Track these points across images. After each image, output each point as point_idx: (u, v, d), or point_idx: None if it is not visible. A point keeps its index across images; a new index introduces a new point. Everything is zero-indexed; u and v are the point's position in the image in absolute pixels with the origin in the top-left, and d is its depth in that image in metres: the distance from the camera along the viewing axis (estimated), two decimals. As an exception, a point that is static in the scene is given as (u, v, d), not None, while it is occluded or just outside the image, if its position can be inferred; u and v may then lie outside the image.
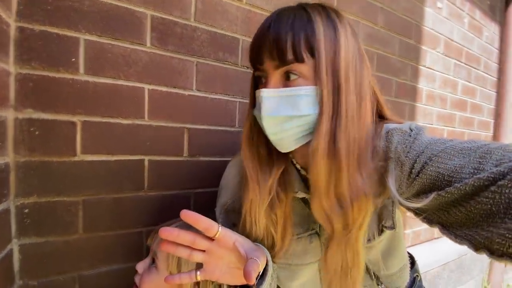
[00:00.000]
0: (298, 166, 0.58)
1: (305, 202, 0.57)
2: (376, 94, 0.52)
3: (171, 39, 0.77)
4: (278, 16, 0.47)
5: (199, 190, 0.85)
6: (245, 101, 0.91)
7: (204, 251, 0.48)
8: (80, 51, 0.65)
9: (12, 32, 0.58)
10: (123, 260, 0.74)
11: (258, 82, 0.52)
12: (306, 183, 0.56)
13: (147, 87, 0.74)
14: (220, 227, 0.46)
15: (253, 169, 0.53)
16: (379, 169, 0.46)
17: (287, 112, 0.47)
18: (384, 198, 0.50)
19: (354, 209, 0.46)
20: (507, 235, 0.32)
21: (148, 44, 0.74)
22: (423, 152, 0.42)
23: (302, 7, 0.48)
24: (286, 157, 0.55)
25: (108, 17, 0.68)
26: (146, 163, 0.76)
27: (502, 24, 2.10)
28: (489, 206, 0.34)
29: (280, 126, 0.48)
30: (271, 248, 0.56)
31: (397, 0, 1.34)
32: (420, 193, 0.42)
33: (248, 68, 0.91)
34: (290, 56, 0.45)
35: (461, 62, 1.78)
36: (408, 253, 0.71)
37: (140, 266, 0.64)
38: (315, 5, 0.49)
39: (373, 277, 0.61)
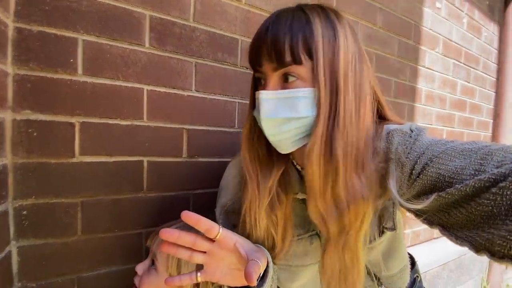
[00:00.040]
0: (298, 167, 0.57)
1: (306, 203, 0.57)
2: (377, 94, 0.52)
3: (170, 40, 0.77)
4: (277, 17, 0.47)
5: (198, 191, 0.85)
6: (244, 101, 0.91)
7: (204, 252, 0.47)
8: (78, 52, 0.65)
9: (10, 32, 0.58)
10: (122, 262, 0.74)
11: (258, 83, 0.52)
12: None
13: (145, 87, 0.74)
14: (221, 229, 0.46)
15: (253, 170, 0.53)
16: (379, 170, 0.46)
17: (286, 114, 0.47)
18: (384, 200, 0.50)
19: (350, 213, 0.45)
20: (508, 237, 0.32)
21: (147, 45, 0.73)
22: (423, 153, 0.42)
23: (301, 8, 0.48)
24: (286, 158, 0.55)
25: (106, 17, 0.68)
26: (145, 164, 0.75)
27: (501, 24, 2.10)
28: (491, 208, 0.34)
29: (279, 128, 0.48)
30: (271, 249, 0.55)
31: (396, 0, 1.34)
32: (420, 194, 0.42)
33: (247, 68, 0.90)
34: (288, 58, 0.45)
35: (460, 62, 1.78)
36: (408, 253, 0.71)
37: (140, 268, 0.64)
38: (314, 6, 0.49)
39: (374, 278, 0.61)
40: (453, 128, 1.79)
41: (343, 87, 0.45)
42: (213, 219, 0.64)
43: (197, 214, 0.44)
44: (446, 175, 0.38)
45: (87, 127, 0.67)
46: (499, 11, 2.08)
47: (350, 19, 0.52)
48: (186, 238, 0.45)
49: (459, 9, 1.73)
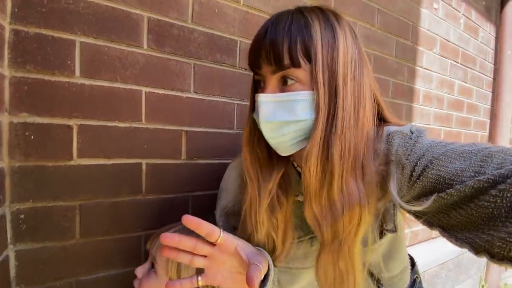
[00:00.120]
0: (298, 169, 0.57)
1: None
2: (377, 97, 0.52)
3: (168, 41, 0.76)
4: (276, 20, 0.47)
5: (198, 193, 0.84)
6: (243, 103, 0.91)
7: (205, 256, 0.47)
8: (76, 54, 0.64)
9: (7, 35, 0.57)
10: (121, 265, 0.74)
11: (258, 86, 0.52)
12: None
13: (144, 89, 0.74)
14: (221, 232, 0.46)
15: (254, 172, 0.53)
16: (380, 172, 0.46)
17: (284, 117, 0.47)
18: (385, 202, 0.50)
19: (344, 217, 0.45)
20: (507, 238, 0.32)
21: (145, 46, 0.73)
22: (424, 155, 0.42)
23: (300, 11, 0.48)
24: (286, 160, 0.55)
25: (104, 19, 0.67)
26: (143, 166, 0.75)
27: (498, 25, 2.11)
28: (491, 209, 0.34)
29: (278, 131, 0.48)
30: (272, 251, 0.55)
31: (393, 1, 1.35)
32: (420, 196, 0.42)
33: (246, 69, 0.90)
34: (286, 61, 0.45)
35: (457, 62, 1.79)
36: (408, 254, 0.71)
37: (139, 271, 0.64)
38: (314, 9, 0.48)
39: (375, 281, 0.61)
40: (451, 128, 1.80)
41: (342, 90, 0.45)
42: (213, 221, 0.64)
43: (198, 218, 0.44)
44: (446, 177, 0.38)
45: (85, 130, 0.66)
46: (496, 11, 2.09)
47: (349, 20, 0.51)
48: (186, 242, 0.45)
49: (456, 10, 1.73)
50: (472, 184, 0.35)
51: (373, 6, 1.26)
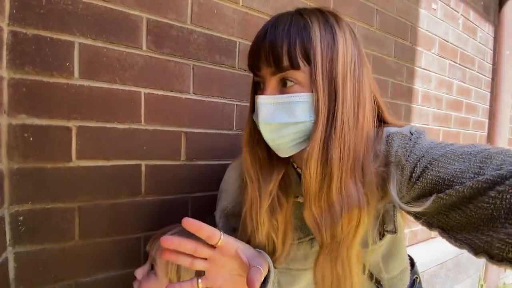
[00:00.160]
0: (299, 170, 0.57)
1: None
2: (377, 98, 0.52)
3: (167, 42, 0.76)
4: (275, 22, 0.47)
5: (197, 194, 0.84)
6: (242, 104, 0.91)
7: (205, 259, 0.47)
8: (75, 55, 0.64)
9: (5, 36, 0.57)
10: (121, 267, 0.73)
11: (257, 87, 0.52)
12: None
13: (143, 91, 0.73)
14: (222, 235, 0.46)
15: (254, 173, 0.53)
16: (380, 173, 0.46)
17: (283, 119, 0.47)
18: (385, 203, 0.50)
19: (343, 220, 0.45)
20: (507, 240, 0.32)
21: (144, 48, 0.73)
22: (423, 156, 0.42)
23: (299, 12, 0.48)
24: (286, 161, 0.55)
25: (103, 20, 0.67)
26: (143, 168, 0.75)
27: (496, 25, 2.12)
28: (490, 211, 0.34)
29: (277, 133, 0.48)
30: (272, 253, 0.55)
31: (392, 1, 1.35)
32: (420, 197, 0.42)
33: (245, 70, 0.90)
34: (285, 63, 0.45)
35: (456, 63, 1.79)
36: (408, 255, 0.71)
37: (139, 272, 0.64)
38: (313, 10, 0.48)
39: (375, 282, 0.61)
40: (450, 128, 1.80)
41: (341, 92, 0.45)
42: (213, 222, 0.64)
43: (198, 221, 0.44)
44: (446, 178, 0.39)
45: (84, 131, 0.66)
46: (494, 11, 2.10)
47: (348, 21, 0.51)
48: (187, 245, 0.45)
49: (455, 10, 1.74)
50: (471, 184, 0.35)
51: (371, 6, 1.27)
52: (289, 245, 0.56)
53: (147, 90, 0.74)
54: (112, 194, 0.71)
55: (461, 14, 1.79)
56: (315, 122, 0.45)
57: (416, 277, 0.70)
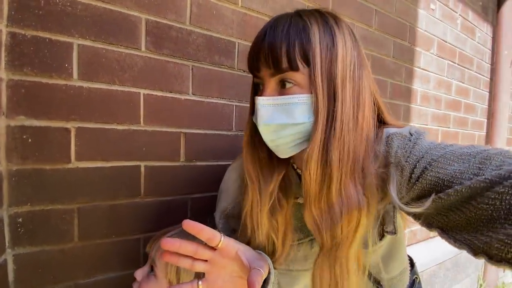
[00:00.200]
0: (299, 171, 0.57)
1: None
2: (377, 99, 0.52)
3: (166, 43, 0.76)
4: (274, 23, 0.47)
5: (197, 195, 0.84)
6: (241, 104, 0.91)
7: (206, 261, 0.47)
8: (74, 56, 0.64)
9: (3, 37, 0.57)
10: (120, 268, 0.73)
11: (257, 89, 0.52)
12: None
13: (142, 91, 0.73)
14: (222, 237, 0.46)
15: (255, 174, 0.53)
16: (379, 174, 0.46)
17: (282, 120, 0.47)
18: (385, 204, 0.50)
19: (343, 222, 0.45)
20: (506, 240, 0.32)
21: (143, 49, 0.73)
22: (423, 157, 0.42)
23: (298, 14, 0.48)
24: (286, 162, 0.55)
25: (102, 21, 0.67)
26: (142, 169, 0.75)
27: (494, 25, 2.13)
28: (490, 212, 0.34)
29: (276, 134, 0.48)
30: (271, 254, 0.55)
31: (391, 2, 1.35)
32: (420, 198, 0.42)
33: (244, 71, 0.90)
34: (284, 64, 0.45)
35: (455, 63, 1.80)
36: (407, 255, 0.71)
37: (139, 274, 0.64)
38: (313, 12, 0.48)
39: (374, 282, 0.61)
40: (448, 128, 1.81)
41: (340, 93, 0.45)
42: (212, 223, 0.64)
43: (198, 223, 0.44)
44: (445, 179, 0.39)
45: (83, 132, 0.66)
46: (493, 11, 2.10)
47: (349, 23, 0.51)
48: (187, 247, 0.45)
49: (453, 11, 1.74)
50: (470, 184, 0.35)
51: (370, 7, 1.27)
52: (289, 245, 0.56)
53: (146, 91, 0.74)
54: (111, 195, 0.71)
55: (460, 15, 1.80)
56: (314, 124, 0.46)
57: (416, 277, 0.70)
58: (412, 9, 1.47)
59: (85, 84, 0.66)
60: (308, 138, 0.47)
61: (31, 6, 0.59)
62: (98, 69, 0.67)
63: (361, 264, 0.50)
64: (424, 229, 0.43)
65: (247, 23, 0.90)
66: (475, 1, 1.92)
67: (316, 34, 0.45)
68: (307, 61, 0.45)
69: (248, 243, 0.55)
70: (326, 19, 0.47)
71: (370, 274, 0.61)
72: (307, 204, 0.47)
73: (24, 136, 0.60)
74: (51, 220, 0.64)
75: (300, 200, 0.56)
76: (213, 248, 0.46)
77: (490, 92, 2.17)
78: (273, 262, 0.54)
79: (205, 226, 0.44)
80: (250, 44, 0.51)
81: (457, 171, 0.38)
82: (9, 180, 0.59)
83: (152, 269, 0.63)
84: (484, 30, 2.04)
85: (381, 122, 0.54)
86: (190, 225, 0.43)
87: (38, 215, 0.62)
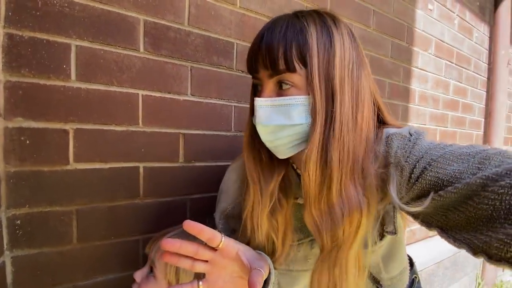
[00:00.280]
0: (298, 171, 0.57)
1: None
2: (377, 99, 0.52)
3: (164, 44, 0.76)
4: (272, 25, 0.48)
5: (196, 195, 0.84)
6: (240, 105, 0.91)
7: (206, 261, 0.47)
8: (72, 57, 0.64)
9: (1, 39, 0.57)
10: (120, 269, 0.73)
11: (256, 90, 0.52)
12: None
13: (140, 92, 0.73)
14: (223, 237, 0.46)
15: (256, 174, 0.53)
16: (379, 175, 0.46)
17: (280, 121, 0.47)
18: (385, 204, 0.50)
19: (345, 224, 0.45)
20: (505, 240, 0.32)
21: (141, 49, 0.73)
22: (422, 157, 0.42)
23: (296, 15, 0.48)
24: (286, 162, 0.55)
25: (100, 22, 0.67)
26: (141, 170, 0.74)
27: (492, 25, 2.14)
28: (490, 212, 0.34)
29: (274, 135, 0.48)
30: (271, 254, 0.55)
31: (389, 2, 1.36)
32: (419, 198, 0.42)
33: (243, 72, 0.90)
34: (281, 65, 0.45)
35: (452, 62, 1.80)
36: (407, 254, 0.72)
37: (138, 275, 0.64)
38: (311, 13, 0.49)
39: (374, 282, 0.61)
40: (446, 127, 1.82)
41: (339, 94, 0.45)
42: (212, 223, 0.64)
43: (199, 224, 0.44)
44: (445, 179, 0.39)
45: (81, 134, 0.66)
46: (490, 11, 2.12)
47: (348, 23, 0.51)
48: (188, 247, 0.45)
49: (451, 11, 1.75)
50: (468, 181, 0.35)
51: (368, 7, 1.27)
52: (288, 245, 0.56)
53: (145, 92, 0.74)
54: (110, 196, 0.71)
55: (457, 15, 1.80)
56: (312, 125, 0.46)
57: (415, 277, 0.71)
58: (410, 9, 1.47)
59: (83, 85, 0.66)
60: (307, 139, 0.47)
61: (28, 7, 0.59)
62: (96, 70, 0.67)
63: (361, 265, 0.50)
64: (423, 228, 0.43)
65: (245, 23, 0.90)
66: (473, 1, 1.93)
67: (313, 35, 0.45)
68: (304, 62, 0.45)
69: (248, 243, 0.55)
70: (324, 20, 0.47)
71: (370, 274, 0.61)
72: (307, 205, 0.47)
73: (22, 138, 0.60)
74: (50, 222, 0.63)
75: (300, 201, 0.56)
76: (213, 249, 0.46)
77: (488, 92, 2.18)
78: (273, 262, 0.54)
79: (205, 226, 0.44)
80: (248, 44, 0.51)
81: (456, 171, 0.38)
82: (7, 182, 0.59)
83: (151, 270, 0.63)
84: (481, 30, 2.05)
85: (381, 122, 0.54)
86: (190, 225, 0.43)
87: (37, 217, 0.62)
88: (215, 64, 0.85)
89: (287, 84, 0.46)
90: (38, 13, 0.60)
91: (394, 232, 0.55)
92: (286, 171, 0.55)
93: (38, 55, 0.60)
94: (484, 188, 0.34)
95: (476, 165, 0.37)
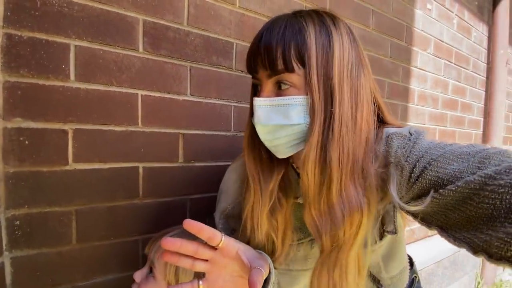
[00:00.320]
0: (298, 171, 0.58)
1: None
2: (377, 99, 0.52)
3: (164, 44, 0.76)
4: (271, 25, 0.48)
5: (195, 196, 0.84)
6: (240, 105, 0.91)
7: (206, 260, 0.47)
8: (71, 58, 0.64)
9: (-1, 39, 0.57)
10: (119, 270, 0.73)
11: (256, 90, 0.52)
12: None
13: (140, 92, 0.73)
14: (223, 236, 0.46)
15: (256, 174, 0.53)
16: (379, 174, 0.46)
17: (278, 121, 0.47)
18: (385, 204, 0.50)
19: (345, 224, 0.45)
20: (506, 239, 0.32)
21: (141, 49, 0.73)
22: (422, 157, 0.42)
23: (295, 15, 0.48)
24: (286, 161, 0.55)
25: (99, 22, 0.67)
26: (140, 170, 0.74)
27: (490, 24, 2.14)
28: (490, 211, 0.34)
29: (273, 134, 0.48)
30: (271, 253, 0.55)
31: (388, 2, 1.36)
32: (420, 197, 0.42)
33: (242, 72, 0.90)
34: (280, 66, 0.45)
35: (451, 62, 1.81)
36: (407, 254, 0.72)
37: (138, 275, 0.63)
38: (310, 12, 0.49)
39: (374, 282, 0.61)
40: (445, 127, 1.82)
41: (338, 94, 0.45)
42: (212, 223, 0.64)
43: (199, 223, 0.44)
44: (445, 178, 0.39)
45: (81, 134, 0.66)
46: (488, 11, 2.12)
47: (348, 23, 0.51)
48: (188, 247, 0.45)
49: (449, 10, 1.75)
50: (467, 179, 0.35)
51: (367, 7, 1.27)
52: (288, 245, 0.56)
53: (144, 92, 0.74)
54: (110, 197, 0.70)
55: (456, 14, 1.81)
56: (310, 125, 0.46)
57: (415, 276, 0.71)
58: (409, 9, 1.47)
59: (83, 86, 0.65)
60: (305, 139, 0.47)
61: (27, 7, 0.59)
62: (96, 70, 0.67)
63: (361, 265, 0.50)
64: (422, 227, 0.43)
65: (244, 23, 0.90)
66: (471, 1, 1.93)
67: (312, 35, 0.45)
68: (303, 62, 0.45)
69: (248, 242, 0.55)
70: (323, 20, 0.47)
71: (370, 274, 0.61)
72: (306, 205, 0.47)
73: (21, 138, 0.60)
74: (49, 222, 0.63)
75: (300, 200, 0.56)
76: (213, 248, 0.46)
77: (486, 91, 2.18)
78: (273, 262, 0.54)
79: (205, 225, 0.44)
80: (248, 44, 0.51)
81: (456, 170, 0.38)
82: (6, 183, 0.59)
83: (151, 270, 0.63)
84: (480, 29, 2.05)
85: (381, 122, 0.54)
86: (190, 224, 0.43)
87: (36, 217, 0.62)
88: (215, 64, 0.85)
89: (285, 84, 0.47)
90: (37, 13, 0.60)
91: (394, 232, 0.55)
92: (286, 170, 0.55)
93: (37, 55, 0.60)
94: (484, 187, 0.34)
95: (476, 164, 0.37)
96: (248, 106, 0.56)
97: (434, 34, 1.64)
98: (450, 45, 1.78)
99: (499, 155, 0.36)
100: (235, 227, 0.61)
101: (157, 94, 0.76)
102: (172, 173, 0.79)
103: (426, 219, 0.43)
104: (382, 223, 0.55)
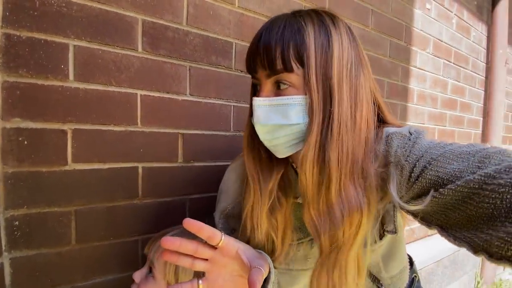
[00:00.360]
0: (298, 170, 0.57)
1: None
2: (377, 99, 0.52)
3: (163, 44, 0.76)
4: (270, 25, 0.48)
5: (195, 196, 0.84)
6: (239, 105, 0.91)
7: (206, 259, 0.47)
8: (69, 57, 0.64)
9: (-2, 39, 0.56)
10: (119, 270, 0.73)
11: (256, 89, 0.52)
12: None
13: (139, 92, 0.73)
14: (223, 236, 0.46)
15: (255, 174, 0.53)
16: (379, 174, 0.46)
17: (278, 121, 0.47)
18: (385, 203, 0.50)
19: (345, 225, 0.45)
20: (506, 238, 0.32)
21: (140, 49, 0.72)
22: (422, 156, 0.42)
23: (294, 15, 0.48)
24: (286, 161, 0.55)
25: (98, 22, 0.66)
26: (139, 170, 0.74)
27: (489, 24, 2.14)
28: (491, 210, 0.34)
29: (272, 134, 0.48)
30: (271, 252, 0.55)
31: (387, 2, 1.36)
32: (420, 197, 0.42)
33: (241, 71, 0.90)
34: (279, 65, 0.45)
35: (450, 62, 1.81)
36: (407, 254, 0.72)
37: (137, 276, 0.63)
38: (309, 12, 0.48)
39: (374, 281, 0.61)
40: (445, 126, 1.82)
41: (337, 94, 0.45)
42: (211, 223, 0.64)
43: (199, 222, 0.44)
44: (445, 178, 0.39)
45: (80, 134, 0.66)
46: (487, 11, 2.12)
47: (347, 23, 0.51)
48: (187, 246, 0.44)
49: (448, 10, 1.76)
50: (467, 178, 0.35)
51: (367, 7, 1.27)
52: (288, 244, 0.56)
53: (143, 92, 0.73)
54: (109, 197, 0.70)
55: (455, 14, 1.81)
56: (309, 125, 0.46)
57: (415, 276, 0.71)
58: (408, 9, 1.47)
59: (81, 85, 0.65)
60: (303, 139, 0.47)
61: (26, 7, 0.59)
62: (95, 70, 0.67)
63: (361, 266, 0.50)
64: (422, 227, 0.43)
65: (244, 23, 0.90)
66: (470, 1, 1.93)
67: (311, 35, 0.45)
68: (302, 62, 0.45)
69: (248, 242, 0.55)
70: (323, 19, 0.47)
71: (370, 273, 0.61)
72: (305, 205, 0.47)
73: (20, 138, 0.59)
74: (48, 223, 0.63)
75: (300, 200, 0.56)
76: (213, 247, 0.46)
77: (486, 91, 2.19)
78: (272, 261, 0.54)
79: (205, 224, 0.44)
80: (247, 44, 0.51)
81: (456, 169, 0.38)
82: (5, 183, 0.58)
83: (150, 270, 0.63)
84: (479, 29, 2.05)
85: (381, 121, 0.54)
86: (190, 223, 0.43)
87: (35, 218, 0.62)
88: (214, 64, 0.85)
89: (284, 84, 0.47)
90: (35, 13, 0.60)
91: (394, 231, 0.55)
92: (286, 170, 0.55)
93: (36, 55, 0.60)
94: (484, 186, 0.34)
95: (476, 164, 0.37)
96: (248, 106, 0.56)
97: (433, 33, 1.64)
98: (449, 44, 1.78)
99: (499, 154, 0.36)
100: (235, 226, 0.61)
101: (156, 94, 0.75)
102: (171, 173, 0.79)
103: (426, 219, 0.42)
104: (382, 223, 0.55)
